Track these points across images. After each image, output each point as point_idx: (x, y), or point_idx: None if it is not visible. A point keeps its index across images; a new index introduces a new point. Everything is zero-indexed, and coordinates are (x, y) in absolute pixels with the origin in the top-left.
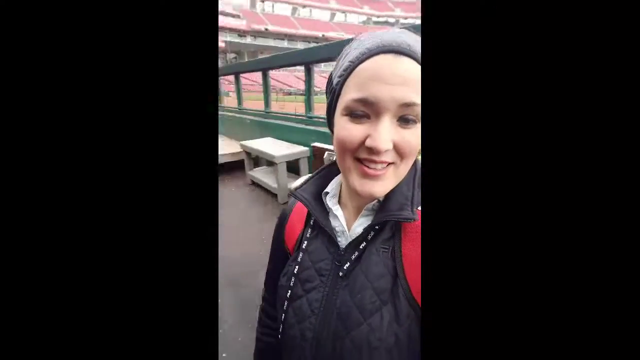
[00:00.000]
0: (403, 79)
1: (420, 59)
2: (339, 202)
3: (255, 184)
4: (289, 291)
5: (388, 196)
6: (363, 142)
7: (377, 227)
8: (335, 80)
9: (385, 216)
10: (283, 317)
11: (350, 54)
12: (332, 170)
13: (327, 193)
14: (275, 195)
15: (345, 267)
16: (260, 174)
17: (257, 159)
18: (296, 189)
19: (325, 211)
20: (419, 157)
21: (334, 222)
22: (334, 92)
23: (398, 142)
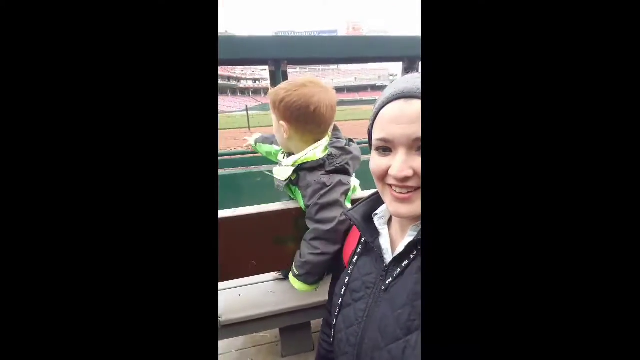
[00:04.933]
0: (414, 118)
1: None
2: (389, 223)
3: None
4: (341, 299)
5: None
6: (387, 171)
7: (420, 247)
8: (370, 123)
9: None
10: (335, 322)
11: (378, 102)
12: None
13: (376, 214)
14: None
15: (387, 282)
16: None
17: None
18: (350, 210)
19: (375, 230)
20: None
21: (381, 241)
22: (369, 132)
23: (418, 168)
